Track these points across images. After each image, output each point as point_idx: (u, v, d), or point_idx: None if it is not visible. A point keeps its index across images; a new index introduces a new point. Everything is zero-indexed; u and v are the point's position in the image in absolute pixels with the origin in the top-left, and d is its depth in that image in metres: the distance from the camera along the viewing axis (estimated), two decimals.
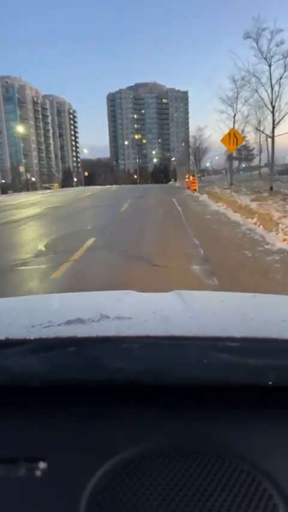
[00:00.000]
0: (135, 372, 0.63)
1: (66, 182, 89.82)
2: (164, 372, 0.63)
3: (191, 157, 46.07)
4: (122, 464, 0.53)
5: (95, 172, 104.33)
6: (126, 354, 0.65)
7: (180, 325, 0.74)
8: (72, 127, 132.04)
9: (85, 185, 77.69)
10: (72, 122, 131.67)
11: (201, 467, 0.52)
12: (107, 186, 52.55)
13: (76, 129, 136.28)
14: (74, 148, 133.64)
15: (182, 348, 0.65)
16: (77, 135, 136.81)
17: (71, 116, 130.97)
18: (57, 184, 50.72)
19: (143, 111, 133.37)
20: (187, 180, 28.45)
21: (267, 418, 0.62)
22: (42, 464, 0.53)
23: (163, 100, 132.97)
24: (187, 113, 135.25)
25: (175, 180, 78.36)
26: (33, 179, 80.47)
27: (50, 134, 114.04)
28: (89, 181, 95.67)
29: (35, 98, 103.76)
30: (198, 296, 1.21)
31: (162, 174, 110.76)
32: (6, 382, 0.64)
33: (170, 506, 0.48)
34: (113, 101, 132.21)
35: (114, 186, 55.45)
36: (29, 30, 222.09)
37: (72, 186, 71.36)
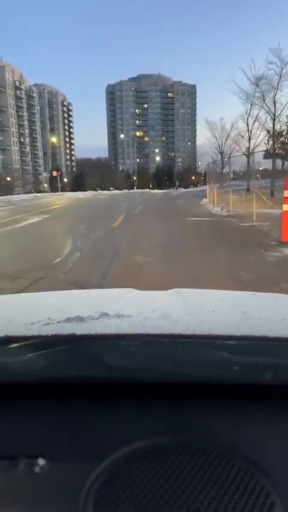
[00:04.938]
0: (135, 370, 0.63)
1: (54, 184, 76.04)
2: (163, 370, 0.63)
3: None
4: (121, 461, 0.53)
5: (88, 173, 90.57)
6: (126, 352, 0.65)
7: (179, 323, 0.73)
8: (66, 121, 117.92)
9: (71, 190, 63.66)
10: (66, 115, 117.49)
11: (200, 465, 0.52)
12: (88, 193, 37.86)
13: (71, 124, 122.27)
14: (68, 145, 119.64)
15: (182, 346, 0.65)
16: (71, 130, 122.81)
17: (65, 109, 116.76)
18: None
19: (145, 105, 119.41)
20: None
21: (267, 416, 0.62)
22: (41, 461, 0.53)
23: (168, 94, 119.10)
24: (195, 109, 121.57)
25: (180, 186, 61.73)
26: (8, 178, 65.84)
27: (37, 127, 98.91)
28: (80, 183, 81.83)
29: (17, 83, 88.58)
30: (197, 294, 1.20)
31: (165, 177, 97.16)
32: (6, 379, 0.64)
33: (169, 502, 0.48)
34: (113, 93, 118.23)
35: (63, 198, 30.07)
36: (27, 23, 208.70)
37: (57, 190, 57.08)
